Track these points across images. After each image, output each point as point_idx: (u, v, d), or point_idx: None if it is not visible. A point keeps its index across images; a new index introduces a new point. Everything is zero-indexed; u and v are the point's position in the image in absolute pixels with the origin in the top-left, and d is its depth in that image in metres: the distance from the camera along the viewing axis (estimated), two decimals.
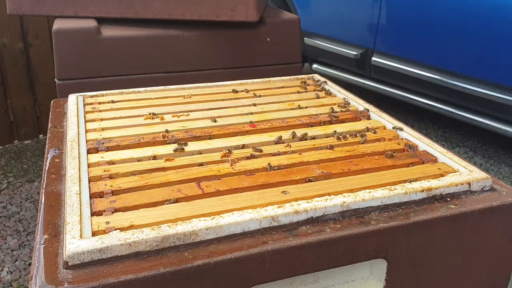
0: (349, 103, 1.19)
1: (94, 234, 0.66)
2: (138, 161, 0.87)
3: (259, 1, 1.96)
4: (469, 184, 0.81)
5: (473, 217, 0.78)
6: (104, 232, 0.66)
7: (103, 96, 1.23)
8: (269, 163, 0.86)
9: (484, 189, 0.82)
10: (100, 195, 0.76)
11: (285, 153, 0.92)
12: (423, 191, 0.78)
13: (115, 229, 0.66)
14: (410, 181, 0.80)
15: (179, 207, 0.72)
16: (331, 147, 0.93)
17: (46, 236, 0.68)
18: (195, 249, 0.65)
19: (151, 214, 0.70)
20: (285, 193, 0.77)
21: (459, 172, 0.86)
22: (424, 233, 0.75)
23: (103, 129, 1.01)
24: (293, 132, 1.00)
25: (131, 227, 0.67)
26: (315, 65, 3.91)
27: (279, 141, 0.97)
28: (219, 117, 1.08)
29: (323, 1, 3.89)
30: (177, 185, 0.78)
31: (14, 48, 3.32)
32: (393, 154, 0.90)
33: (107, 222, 0.68)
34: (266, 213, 0.71)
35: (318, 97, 1.24)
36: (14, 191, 2.91)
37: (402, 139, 0.99)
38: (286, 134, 0.99)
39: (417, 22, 2.78)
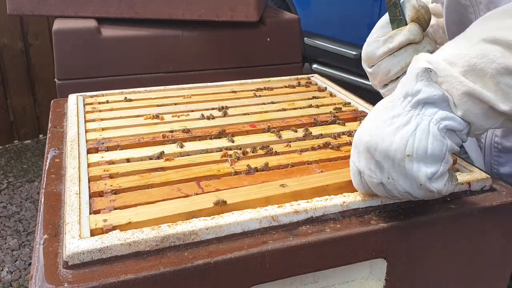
0: (349, 103, 1.19)
1: (92, 231, 0.66)
2: (138, 160, 0.88)
3: (259, 1, 1.96)
4: (469, 184, 0.81)
5: (473, 217, 0.78)
6: (102, 229, 0.66)
7: (103, 96, 1.23)
8: (269, 163, 0.86)
9: (484, 189, 0.82)
10: (100, 194, 0.76)
11: (285, 152, 0.92)
12: None
13: (113, 226, 0.67)
14: None
15: (178, 204, 0.72)
16: (332, 147, 0.93)
17: (46, 236, 0.68)
18: (195, 249, 0.65)
19: (149, 211, 0.70)
20: (283, 186, 0.77)
21: (459, 172, 0.86)
22: (424, 233, 0.75)
23: (103, 129, 1.01)
24: (294, 131, 1.00)
25: (129, 224, 0.67)
26: (315, 65, 3.91)
27: (279, 140, 0.97)
28: (219, 117, 1.08)
29: (323, 1, 3.89)
30: (177, 185, 0.78)
31: (14, 48, 3.32)
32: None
33: (105, 220, 0.68)
34: (266, 213, 0.71)
35: (318, 97, 1.24)
36: (14, 191, 2.91)
37: None
38: (286, 134, 0.99)
39: None
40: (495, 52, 0.62)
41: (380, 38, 0.87)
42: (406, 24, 0.85)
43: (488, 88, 0.63)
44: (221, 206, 0.72)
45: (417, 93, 0.65)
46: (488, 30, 0.64)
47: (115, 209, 0.72)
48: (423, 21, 0.86)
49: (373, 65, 0.90)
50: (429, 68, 0.64)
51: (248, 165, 0.85)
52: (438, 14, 1.04)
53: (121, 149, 0.92)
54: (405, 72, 0.80)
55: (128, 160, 0.87)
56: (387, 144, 0.65)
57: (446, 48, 0.69)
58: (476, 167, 0.87)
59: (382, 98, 0.75)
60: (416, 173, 0.65)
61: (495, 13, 0.68)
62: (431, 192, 0.66)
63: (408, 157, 0.64)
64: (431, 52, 0.86)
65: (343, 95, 1.25)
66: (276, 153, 0.91)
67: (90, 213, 0.71)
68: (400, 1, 0.86)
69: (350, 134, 1.00)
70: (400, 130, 0.65)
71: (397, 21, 0.85)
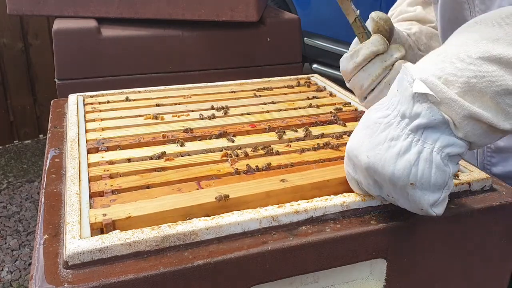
0: (349, 103, 1.19)
1: (91, 226, 0.67)
2: (138, 160, 0.88)
3: (259, 1, 1.96)
4: (469, 184, 0.81)
5: (473, 217, 0.78)
6: (101, 223, 0.66)
7: (103, 96, 1.23)
8: (270, 163, 0.86)
9: (484, 189, 0.82)
10: (100, 194, 0.76)
11: (285, 152, 0.92)
12: None
13: (112, 220, 0.67)
14: None
15: (178, 199, 0.73)
16: (332, 147, 0.93)
17: (46, 236, 0.68)
18: (195, 249, 0.65)
19: (149, 206, 0.71)
20: (283, 181, 0.77)
21: (459, 172, 0.86)
22: (424, 233, 0.75)
23: (103, 129, 1.01)
24: (294, 131, 1.00)
25: (128, 218, 0.68)
26: (315, 65, 3.91)
27: (279, 140, 0.97)
28: (220, 117, 1.08)
29: (323, 1, 3.89)
30: (177, 184, 0.79)
31: (14, 48, 3.32)
32: None
33: (104, 214, 0.68)
34: (266, 213, 0.71)
35: (318, 97, 1.24)
36: (14, 191, 2.91)
37: None
38: (286, 134, 0.99)
39: None
40: (493, 73, 0.61)
41: (348, 54, 0.89)
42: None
43: (488, 108, 0.62)
44: (223, 201, 0.72)
45: (416, 116, 0.63)
46: (484, 45, 0.62)
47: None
48: (383, 31, 0.87)
49: (349, 80, 0.91)
50: (427, 93, 0.62)
51: (248, 165, 0.85)
52: (422, 21, 1.05)
53: (121, 149, 0.92)
54: (384, 79, 0.83)
55: (128, 160, 0.87)
56: (389, 171, 0.64)
57: (436, 61, 0.66)
58: (476, 167, 0.87)
59: None
60: (418, 200, 0.65)
61: (489, 19, 0.65)
62: (431, 215, 0.67)
63: (411, 185, 0.64)
64: (400, 59, 0.84)
65: (343, 95, 1.25)
66: (277, 153, 0.91)
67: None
68: (361, 18, 0.89)
69: (350, 134, 1.00)
70: (401, 157, 0.64)
71: (363, 36, 0.89)
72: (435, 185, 0.64)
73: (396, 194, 0.67)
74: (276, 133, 0.99)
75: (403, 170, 0.63)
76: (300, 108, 1.16)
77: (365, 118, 0.71)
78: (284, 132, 0.99)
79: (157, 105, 1.15)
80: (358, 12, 0.89)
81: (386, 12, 0.97)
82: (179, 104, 1.17)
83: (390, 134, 0.65)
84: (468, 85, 0.62)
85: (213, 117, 1.07)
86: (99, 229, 0.67)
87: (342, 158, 0.90)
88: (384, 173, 0.65)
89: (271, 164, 0.86)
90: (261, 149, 0.92)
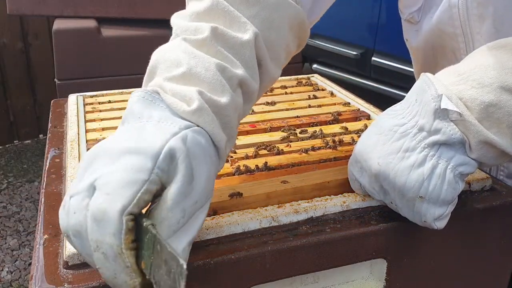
0: (349, 103, 1.19)
1: None
2: None
3: None
4: (469, 184, 0.81)
5: (473, 217, 0.78)
6: None
7: (103, 96, 1.23)
8: (270, 163, 0.86)
9: (484, 189, 0.82)
10: None
11: (285, 153, 0.92)
12: None
13: None
14: None
15: None
16: (332, 147, 0.93)
17: (46, 236, 0.68)
18: (195, 249, 0.65)
19: None
20: (284, 183, 0.77)
21: None
22: (424, 233, 0.75)
23: (103, 129, 1.01)
24: (294, 131, 1.00)
25: None
26: (315, 65, 3.91)
27: (280, 140, 0.97)
28: None
29: None
30: None
31: (14, 48, 3.32)
32: None
33: None
34: (266, 213, 0.71)
35: (318, 97, 1.24)
36: (14, 191, 2.91)
37: None
38: (286, 134, 0.99)
39: None
40: None
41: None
42: None
43: (504, 135, 0.63)
44: (226, 201, 0.72)
45: (435, 132, 0.64)
46: (506, 74, 0.62)
47: None
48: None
49: None
50: (452, 110, 0.63)
51: (248, 165, 0.85)
52: None
53: None
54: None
55: None
56: (401, 182, 0.65)
57: (457, 81, 0.65)
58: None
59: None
60: (424, 213, 0.66)
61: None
62: (432, 228, 0.68)
63: (420, 198, 0.65)
64: None
65: (343, 95, 1.25)
66: (277, 153, 0.91)
67: None
68: None
69: (351, 133, 1.00)
70: (415, 169, 0.64)
71: None
72: (443, 201, 0.65)
73: (401, 203, 0.67)
74: (282, 131, 0.99)
75: (415, 182, 0.64)
76: (300, 108, 1.16)
77: (378, 123, 0.70)
78: (290, 131, 0.99)
79: None
80: None
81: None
82: None
83: (406, 144, 0.65)
84: (486, 112, 0.63)
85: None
86: None
87: (342, 158, 0.90)
88: (395, 183, 0.65)
89: (271, 164, 0.86)
90: (261, 149, 0.92)
